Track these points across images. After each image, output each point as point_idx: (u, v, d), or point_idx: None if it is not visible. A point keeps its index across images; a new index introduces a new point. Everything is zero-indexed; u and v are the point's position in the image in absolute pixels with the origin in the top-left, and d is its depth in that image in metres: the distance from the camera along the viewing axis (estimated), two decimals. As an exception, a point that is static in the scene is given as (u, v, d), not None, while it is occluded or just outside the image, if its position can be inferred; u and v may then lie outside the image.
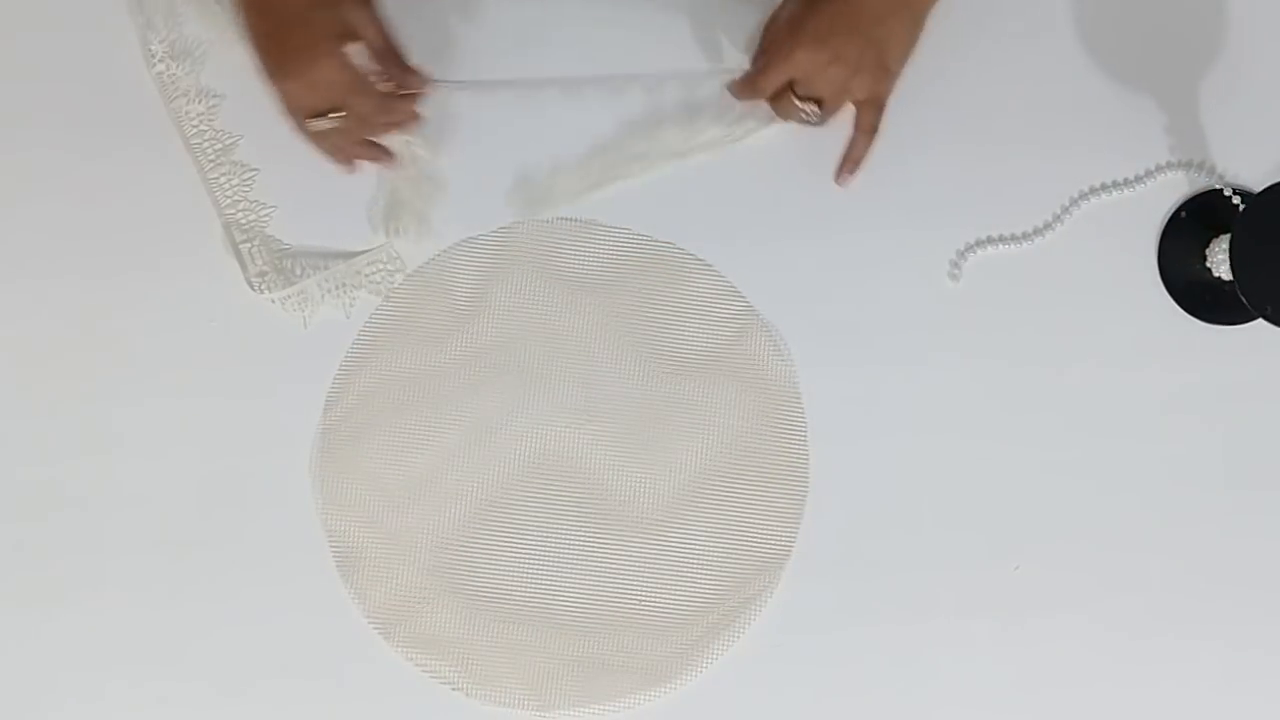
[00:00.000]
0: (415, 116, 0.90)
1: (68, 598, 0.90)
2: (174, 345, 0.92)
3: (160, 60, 0.93)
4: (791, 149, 0.92)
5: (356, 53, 0.85)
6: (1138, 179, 0.92)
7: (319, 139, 0.88)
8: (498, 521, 0.90)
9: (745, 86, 0.90)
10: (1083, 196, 0.92)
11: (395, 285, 0.92)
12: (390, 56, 0.87)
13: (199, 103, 0.93)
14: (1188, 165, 0.92)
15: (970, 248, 0.92)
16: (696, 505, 0.90)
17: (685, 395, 0.91)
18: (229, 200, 0.93)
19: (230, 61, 0.93)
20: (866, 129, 0.89)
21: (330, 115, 0.86)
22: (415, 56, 0.90)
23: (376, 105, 0.87)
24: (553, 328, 0.92)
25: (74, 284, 0.93)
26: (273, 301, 0.91)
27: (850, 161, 0.90)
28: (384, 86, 0.87)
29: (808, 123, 0.89)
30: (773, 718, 0.89)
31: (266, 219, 0.93)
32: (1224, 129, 0.92)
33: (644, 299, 0.92)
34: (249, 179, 0.93)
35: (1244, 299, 0.82)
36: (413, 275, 0.93)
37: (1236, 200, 0.89)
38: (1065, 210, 0.92)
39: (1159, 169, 0.92)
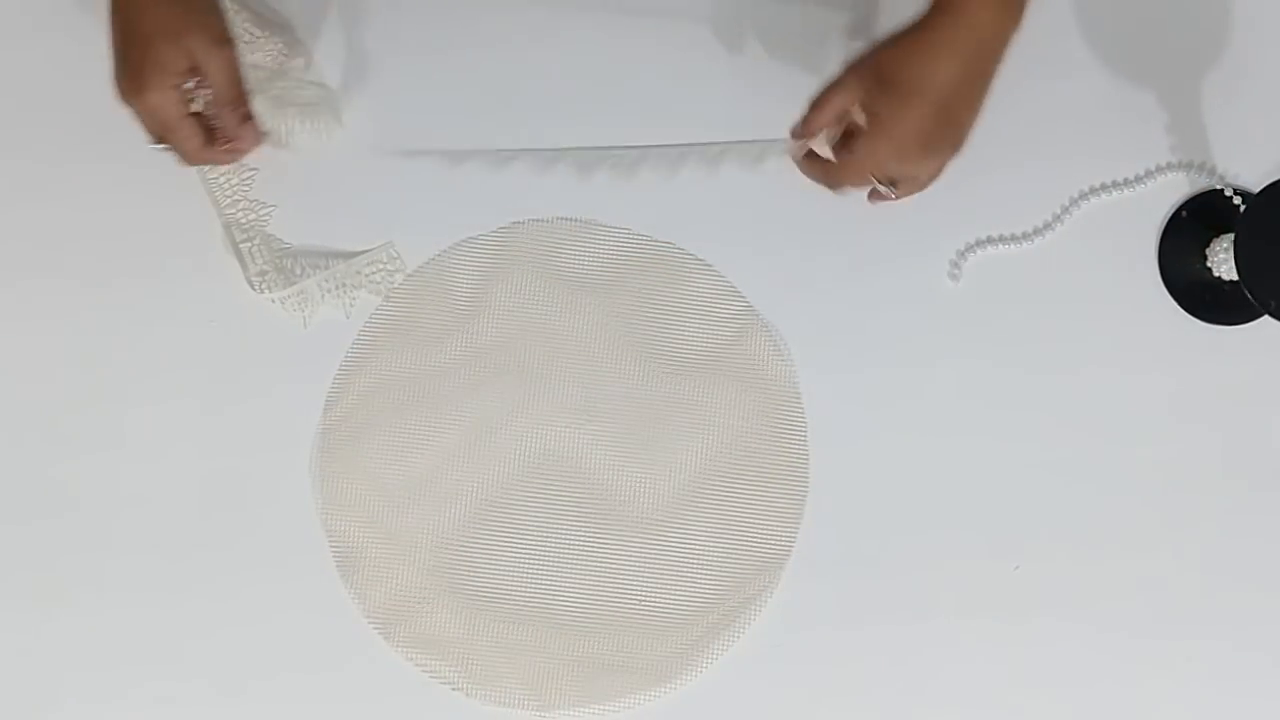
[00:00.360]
0: (235, 159, 0.89)
1: (68, 597, 0.90)
2: (174, 345, 0.92)
3: None
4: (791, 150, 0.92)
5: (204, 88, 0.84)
6: (1138, 179, 0.92)
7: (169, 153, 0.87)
8: (498, 521, 0.90)
9: (819, 175, 0.85)
10: (1083, 196, 0.92)
11: (395, 285, 0.92)
12: (230, 104, 0.85)
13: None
14: (1188, 165, 0.92)
15: (970, 248, 0.92)
16: (696, 505, 0.90)
17: (685, 395, 0.91)
18: (229, 200, 0.93)
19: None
20: (922, 187, 0.85)
21: (158, 145, 0.85)
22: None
23: (195, 150, 0.85)
24: (553, 328, 0.92)
25: (74, 285, 0.93)
26: (273, 301, 0.91)
27: (876, 193, 0.86)
28: (218, 122, 0.86)
29: (889, 199, 0.85)
30: (773, 718, 0.89)
31: (266, 218, 0.93)
32: (1224, 129, 0.92)
33: (644, 299, 0.92)
34: (248, 179, 0.93)
35: (1249, 295, 0.82)
36: (413, 275, 0.93)
37: (1237, 200, 0.89)
38: (1065, 210, 0.92)
39: (1159, 169, 0.92)
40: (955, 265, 0.92)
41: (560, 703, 0.89)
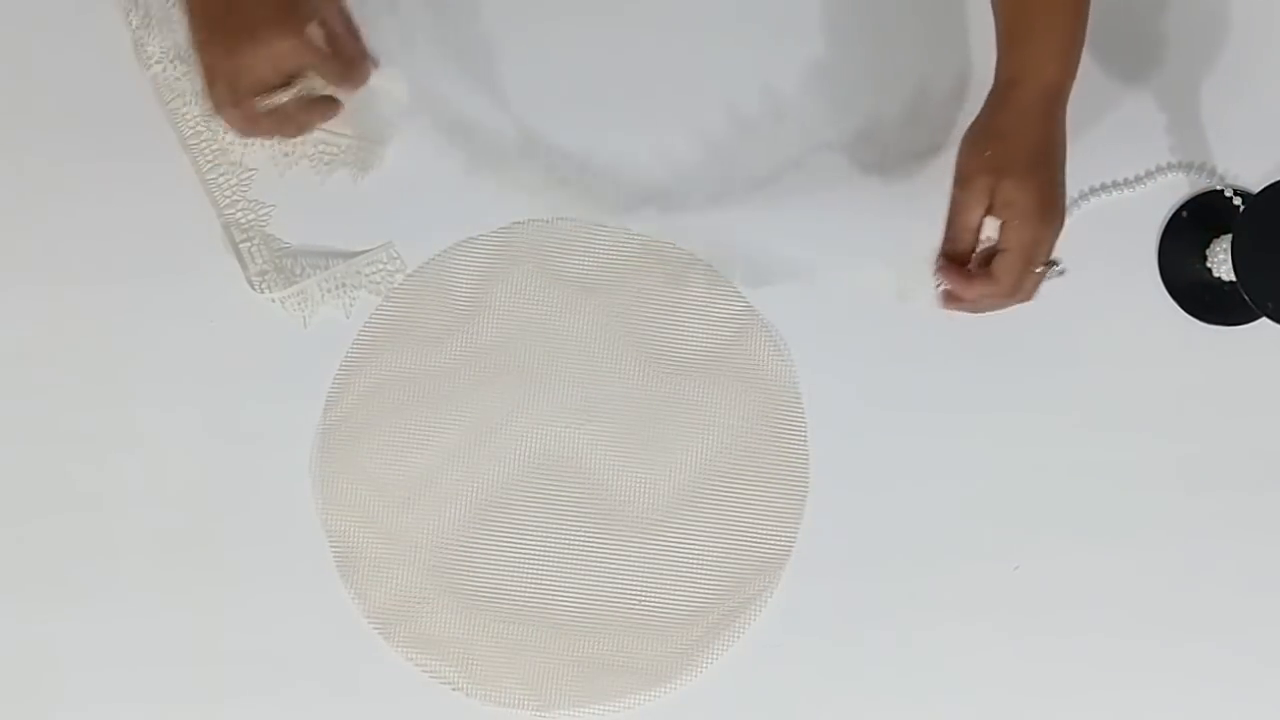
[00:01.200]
0: (370, 68, 0.87)
1: (68, 597, 0.90)
2: (174, 345, 0.92)
3: (157, 61, 0.94)
4: (791, 149, 0.92)
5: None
6: (1138, 179, 0.92)
7: (257, 120, 0.85)
8: (498, 521, 0.90)
9: (988, 291, 0.83)
10: (1083, 196, 0.92)
11: (395, 285, 0.92)
12: (349, 36, 0.85)
13: (195, 104, 0.93)
14: (1188, 166, 0.92)
15: (970, 248, 0.92)
16: (696, 505, 0.90)
17: (685, 395, 0.91)
18: (228, 200, 0.93)
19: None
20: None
21: (285, 89, 0.83)
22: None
23: (341, 68, 0.84)
24: (553, 328, 0.92)
25: (73, 285, 0.93)
26: (273, 301, 0.91)
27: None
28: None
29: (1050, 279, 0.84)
30: (773, 718, 0.89)
31: (266, 218, 0.93)
32: (1224, 129, 0.92)
33: (644, 299, 0.92)
34: (247, 178, 0.93)
35: (1246, 296, 0.82)
36: (413, 275, 0.93)
37: (1237, 201, 0.90)
38: (1065, 210, 0.92)
39: (1159, 169, 0.92)
40: (955, 265, 0.92)
41: (560, 703, 0.89)
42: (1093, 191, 0.92)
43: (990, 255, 0.83)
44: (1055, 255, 0.83)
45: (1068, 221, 0.91)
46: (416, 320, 0.92)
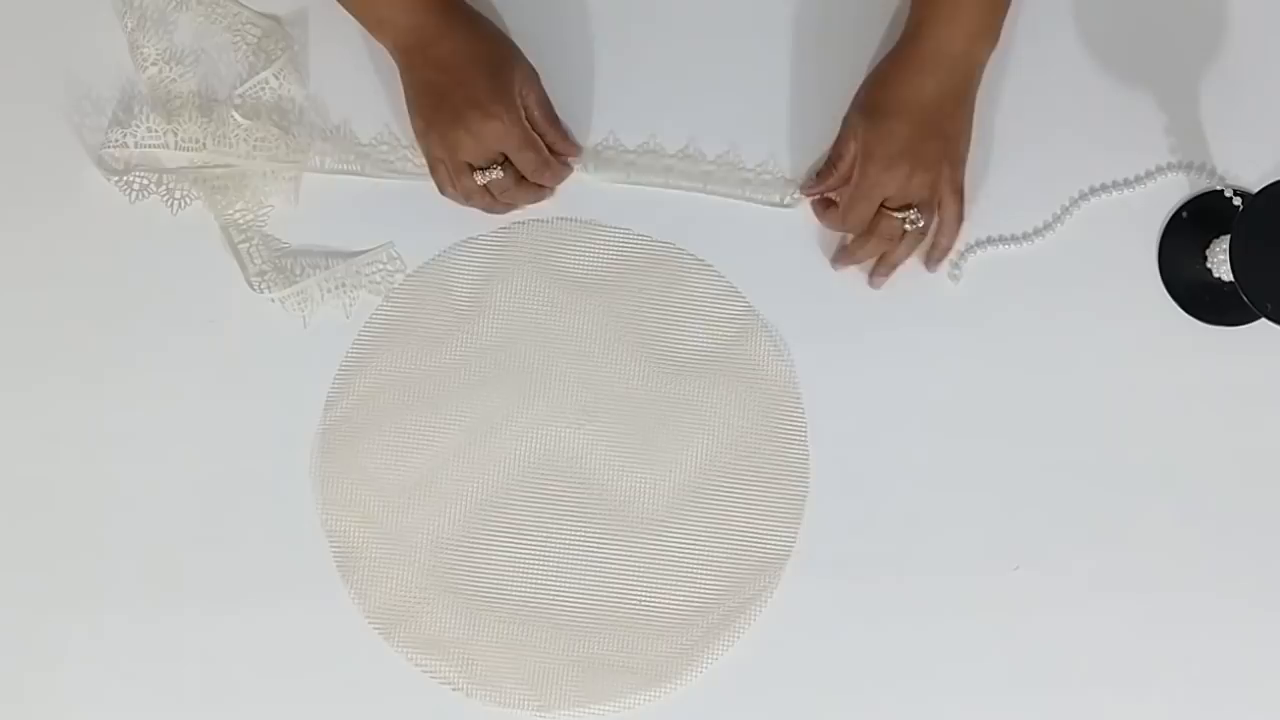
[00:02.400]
0: (568, 173, 0.91)
1: (68, 597, 0.90)
2: (174, 345, 0.92)
3: (153, 63, 0.94)
4: (791, 150, 0.92)
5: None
6: (1138, 179, 0.92)
7: (472, 194, 0.89)
8: (498, 521, 0.90)
9: (836, 221, 0.90)
10: (1083, 196, 0.92)
11: (395, 285, 0.92)
12: (549, 124, 0.89)
13: (191, 106, 0.93)
14: (1188, 166, 0.92)
15: (970, 248, 0.92)
16: (696, 505, 0.90)
17: (685, 395, 0.91)
18: (227, 200, 0.93)
19: (220, 71, 0.94)
20: (954, 219, 0.89)
21: (493, 168, 0.87)
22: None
23: (538, 162, 0.88)
24: (553, 328, 0.92)
25: (73, 285, 0.93)
26: (273, 301, 0.91)
27: (939, 250, 0.90)
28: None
29: (914, 230, 0.87)
30: (773, 718, 0.89)
31: (264, 218, 0.93)
32: (1224, 129, 0.92)
33: (644, 299, 0.92)
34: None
35: (1245, 297, 0.82)
36: (413, 275, 0.93)
37: (1237, 201, 0.89)
38: (1065, 210, 0.92)
39: (1159, 169, 0.92)
40: (955, 265, 0.92)
41: (560, 703, 0.89)
42: (1093, 191, 0.92)
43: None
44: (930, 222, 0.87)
45: (1067, 221, 0.92)
46: (416, 321, 0.92)
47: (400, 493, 0.90)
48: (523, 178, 0.89)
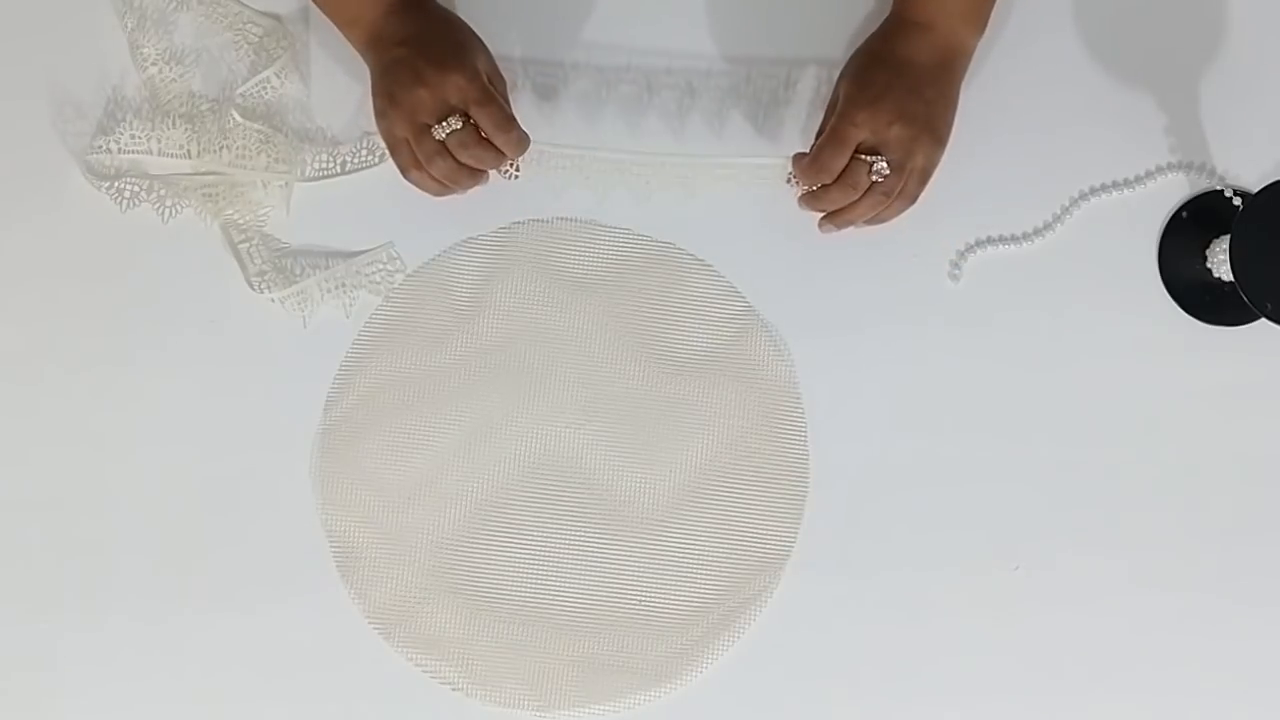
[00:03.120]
0: (526, 140, 0.88)
1: (68, 598, 0.90)
2: (174, 345, 0.92)
3: (153, 63, 0.94)
4: (790, 150, 0.92)
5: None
6: (1138, 179, 0.92)
7: (433, 158, 0.86)
8: (498, 521, 0.90)
9: (812, 168, 0.86)
10: (1083, 196, 0.92)
11: (395, 285, 0.92)
12: (505, 99, 0.88)
13: (190, 105, 0.94)
14: (1188, 166, 0.92)
15: (970, 248, 0.92)
16: (696, 505, 0.90)
17: (685, 395, 0.91)
18: (226, 199, 0.93)
19: (219, 73, 0.94)
20: (909, 195, 0.87)
21: (452, 117, 0.84)
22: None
23: (500, 116, 0.86)
24: (553, 328, 0.92)
25: (73, 285, 0.93)
26: (273, 301, 0.91)
27: (878, 219, 0.88)
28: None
29: (880, 181, 0.85)
30: (773, 717, 0.89)
31: (264, 218, 0.93)
32: (1224, 129, 0.92)
33: (644, 299, 0.92)
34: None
35: (1245, 297, 0.82)
36: (413, 275, 0.93)
37: (1237, 201, 0.89)
38: (1065, 210, 0.92)
39: (1159, 169, 0.92)
40: (955, 265, 0.92)
41: (560, 703, 0.89)
42: (1093, 191, 0.92)
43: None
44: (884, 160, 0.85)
45: (1067, 221, 0.92)
46: (416, 320, 0.92)
47: (400, 493, 0.90)
48: (483, 138, 0.86)
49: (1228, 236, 0.83)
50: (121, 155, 0.93)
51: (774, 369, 0.92)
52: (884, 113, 0.84)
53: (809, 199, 0.88)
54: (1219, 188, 0.91)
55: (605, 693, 0.89)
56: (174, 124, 0.93)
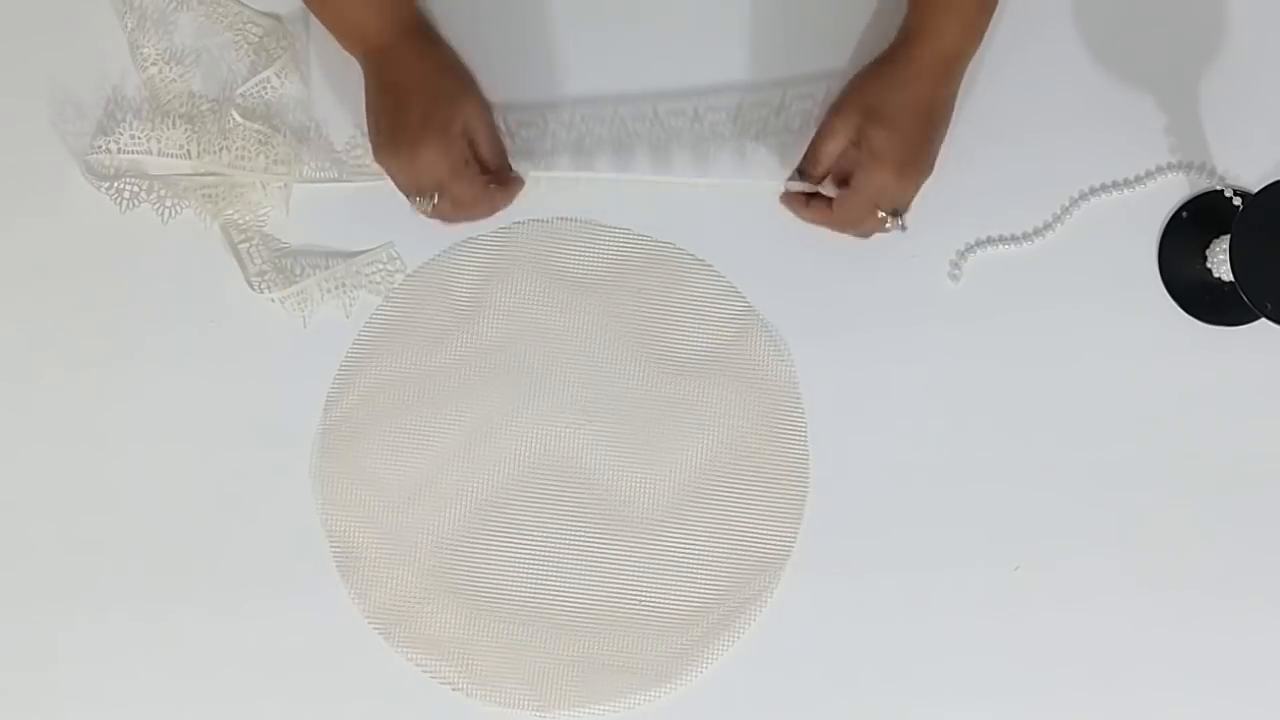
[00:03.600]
0: (508, 202, 0.91)
1: (68, 597, 0.90)
2: (174, 345, 0.92)
3: (153, 63, 0.94)
4: (790, 150, 0.92)
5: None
6: (1138, 179, 0.92)
7: (423, 213, 0.89)
8: (498, 522, 0.90)
9: (823, 216, 0.89)
10: (1083, 196, 0.92)
11: (395, 285, 0.92)
12: (494, 160, 0.89)
13: (190, 106, 0.94)
14: (1188, 166, 0.92)
15: (970, 248, 0.92)
16: (696, 505, 0.90)
17: (685, 395, 0.91)
18: (225, 200, 0.93)
19: (219, 73, 0.94)
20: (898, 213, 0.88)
21: (426, 198, 0.87)
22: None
23: (474, 195, 0.88)
24: (553, 328, 0.92)
25: (73, 285, 0.93)
26: (273, 301, 0.91)
27: (858, 232, 0.90)
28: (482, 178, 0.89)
29: (890, 231, 0.87)
30: (773, 717, 0.89)
31: (264, 219, 0.93)
32: (1224, 129, 0.92)
33: (644, 299, 0.92)
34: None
35: (1245, 297, 0.82)
36: (413, 275, 0.93)
37: (1237, 201, 0.89)
38: (1065, 210, 0.92)
39: (1159, 169, 0.92)
40: (955, 265, 0.92)
41: (560, 703, 0.89)
42: (1093, 191, 0.92)
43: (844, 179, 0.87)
44: (907, 213, 0.87)
45: (1067, 221, 0.92)
46: (416, 320, 0.92)
47: (400, 493, 0.90)
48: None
49: (1228, 236, 0.83)
50: (121, 155, 0.93)
51: (774, 369, 0.92)
52: (909, 173, 0.85)
53: (811, 214, 0.89)
54: (1219, 188, 0.91)
55: (605, 693, 0.89)
56: (174, 124, 0.93)
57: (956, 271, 0.92)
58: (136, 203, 0.92)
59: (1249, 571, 0.90)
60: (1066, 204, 0.92)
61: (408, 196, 0.88)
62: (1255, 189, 0.87)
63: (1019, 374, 0.91)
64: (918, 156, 0.85)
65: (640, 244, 0.93)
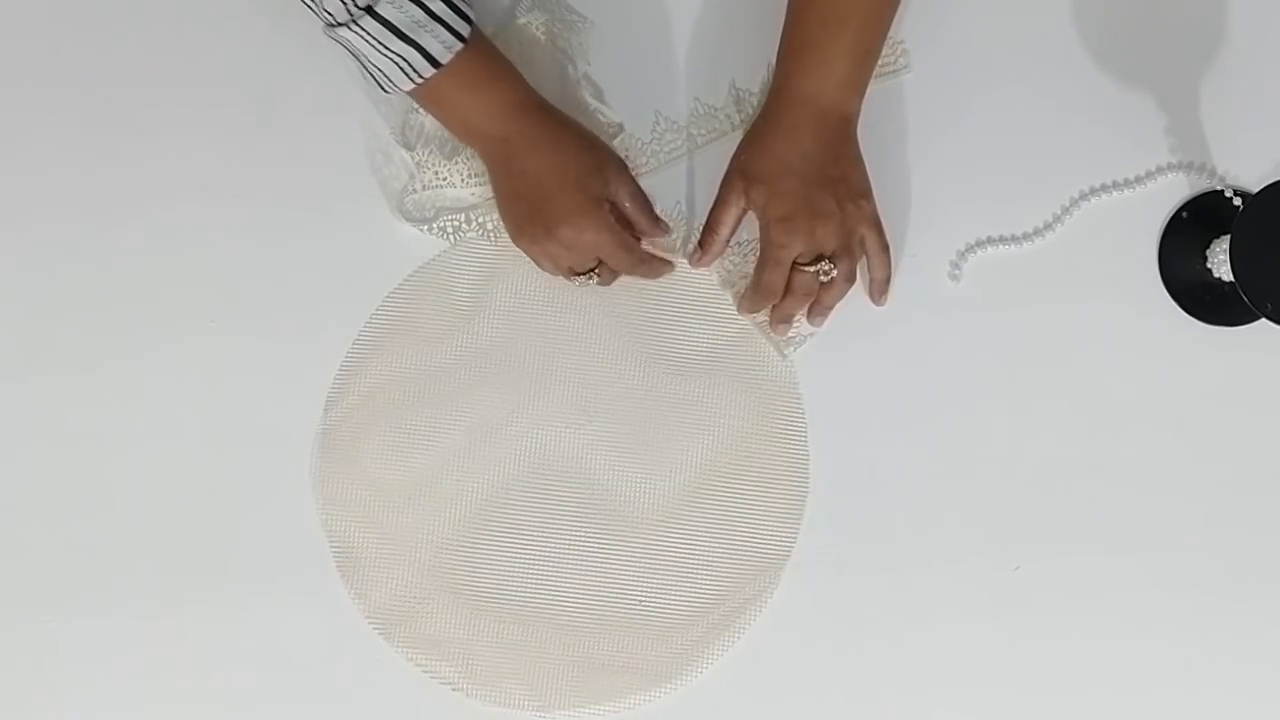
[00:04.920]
0: (670, 267, 0.91)
1: (67, 596, 0.90)
2: (174, 345, 0.92)
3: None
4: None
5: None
6: (1138, 179, 0.92)
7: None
8: (498, 522, 0.90)
9: (755, 301, 0.89)
10: (1083, 196, 0.92)
11: (396, 286, 0.92)
12: (642, 215, 0.89)
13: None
14: (1188, 166, 0.92)
15: (970, 248, 0.92)
16: (696, 506, 0.90)
17: (685, 395, 0.91)
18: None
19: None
20: (878, 250, 0.89)
21: (591, 274, 0.88)
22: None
23: (633, 262, 0.89)
24: (553, 328, 0.92)
25: (75, 287, 0.93)
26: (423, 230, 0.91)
27: (879, 284, 0.90)
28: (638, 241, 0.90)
29: (829, 280, 0.87)
30: (772, 718, 0.89)
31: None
32: (1224, 129, 0.92)
33: (644, 299, 0.92)
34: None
35: (1245, 297, 0.82)
36: (413, 275, 0.93)
37: (1237, 201, 0.89)
38: (1065, 210, 0.92)
39: (1159, 169, 0.92)
40: (955, 265, 0.92)
41: (560, 703, 0.89)
42: (1093, 191, 0.92)
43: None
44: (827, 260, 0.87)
45: (1067, 221, 0.92)
46: (417, 320, 0.92)
47: (400, 493, 0.90)
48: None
49: (1228, 236, 0.83)
50: (426, 191, 0.92)
51: (774, 369, 0.92)
52: (802, 223, 0.85)
53: (776, 315, 0.90)
54: (1219, 188, 0.91)
55: (605, 693, 0.89)
56: (467, 156, 0.91)
57: (956, 271, 0.92)
58: (460, 236, 0.92)
59: (1249, 571, 0.90)
60: (1066, 204, 0.92)
61: (561, 274, 0.89)
62: (1255, 189, 0.87)
63: (1019, 374, 0.91)
64: (811, 204, 0.85)
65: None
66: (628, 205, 0.88)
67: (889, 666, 0.89)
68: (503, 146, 0.86)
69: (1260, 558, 0.90)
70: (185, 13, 0.94)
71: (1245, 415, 0.91)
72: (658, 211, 0.90)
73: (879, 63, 0.88)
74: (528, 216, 0.87)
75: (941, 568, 0.90)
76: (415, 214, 0.92)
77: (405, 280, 0.92)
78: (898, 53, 0.92)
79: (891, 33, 0.89)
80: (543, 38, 0.92)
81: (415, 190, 0.92)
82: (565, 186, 0.85)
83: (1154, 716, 0.89)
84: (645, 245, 0.90)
